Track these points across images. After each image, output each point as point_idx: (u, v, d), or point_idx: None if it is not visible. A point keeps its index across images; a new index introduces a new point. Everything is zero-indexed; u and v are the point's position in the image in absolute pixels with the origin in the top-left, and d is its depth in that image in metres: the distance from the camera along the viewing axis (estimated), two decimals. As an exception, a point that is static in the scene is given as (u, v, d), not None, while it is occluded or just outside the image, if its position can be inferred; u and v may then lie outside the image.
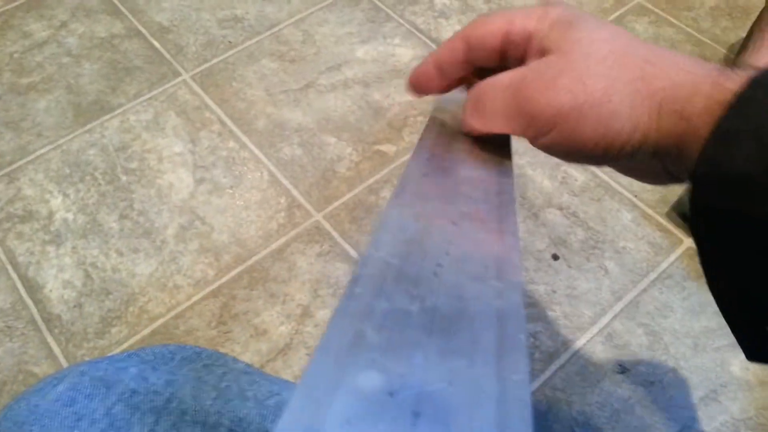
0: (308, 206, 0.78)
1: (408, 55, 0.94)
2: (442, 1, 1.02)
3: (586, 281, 0.73)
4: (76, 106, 0.88)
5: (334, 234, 0.76)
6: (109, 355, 0.63)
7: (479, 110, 0.29)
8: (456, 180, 0.31)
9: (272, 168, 0.82)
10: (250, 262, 0.74)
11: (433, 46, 0.96)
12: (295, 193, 0.80)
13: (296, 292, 0.72)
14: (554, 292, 0.72)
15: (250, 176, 0.81)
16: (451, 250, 0.23)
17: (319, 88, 0.90)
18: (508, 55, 0.29)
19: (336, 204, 0.79)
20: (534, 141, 0.27)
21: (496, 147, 0.36)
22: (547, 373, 0.67)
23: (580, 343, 0.69)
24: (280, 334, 0.69)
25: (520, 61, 0.28)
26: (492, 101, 0.27)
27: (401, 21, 0.99)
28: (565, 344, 0.69)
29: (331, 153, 0.83)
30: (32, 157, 0.82)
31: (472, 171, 0.33)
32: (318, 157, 0.83)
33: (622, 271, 0.74)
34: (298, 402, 0.16)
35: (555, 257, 0.74)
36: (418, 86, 0.32)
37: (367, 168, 0.82)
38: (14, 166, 0.81)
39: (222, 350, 0.67)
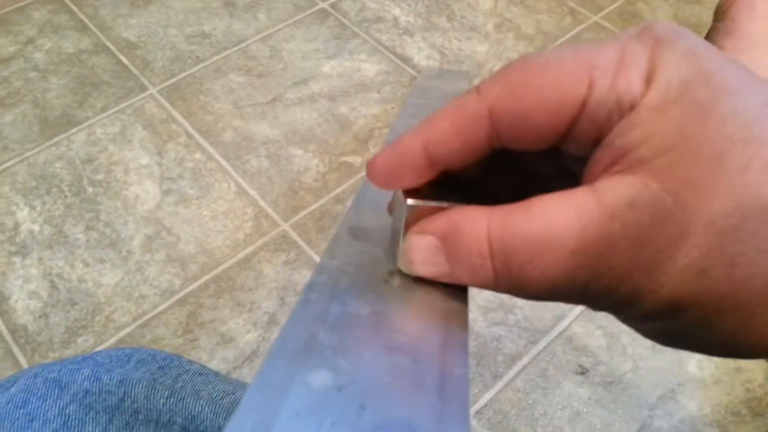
0: (275, 216, 0.80)
1: (373, 70, 0.97)
2: (407, 19, 1.05)
3: (546, 285, 0.75)
4: (42, 120, 0.88)
5: (301, 243, 0.77)
6: (64, 359, 0.63)
7: (512, 273, 0.16)
8: None
9: (239, 179, 0.83)
10: (216, 271, 0.74)
11: (398, 61, 0.99)
12: (262, 203, 0.81)
13: (263, 300, 0.72)
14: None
15: (217, 187, 0.82)
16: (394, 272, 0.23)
17: (286, 102, 0.92)
18: (572, 137, 0.16)
19: (303, 214, 0.80)
20: (630, 323, 0.17)
21: None
22: (510, 375, 0.69)
23: (541, 345, 0.71)
24: (247, 341, 0.69)
25: (589, 144, 0.16)
26: (540, 267, 0.16)
27: (366, 38, 1.01)
28: (527, 347, 0.71)
29: (298, 164, 0.85)
30: (-3, 170, 0.82)
31: None
32: (285, 168, 0.84)
33: (581, 275, 0.76)
34: (251, 399, 0.18)
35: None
36: (390, 180, 0.19)
37: (333, 179, 0.84)
38: (-22, 179, 0.81)
39: (188, 358, 0.67)
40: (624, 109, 0.15)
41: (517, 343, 0.71)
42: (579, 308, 0.74)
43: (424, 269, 0.19)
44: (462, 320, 0.20)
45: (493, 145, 0.17)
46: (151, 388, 0.40)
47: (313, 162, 0.85)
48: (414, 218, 0.20)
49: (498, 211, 0.16)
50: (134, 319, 0.70)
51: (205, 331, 0.70)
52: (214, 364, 0.67)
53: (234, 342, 0.69)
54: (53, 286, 0.72)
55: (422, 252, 0.19)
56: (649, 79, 0.15)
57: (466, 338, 0.19)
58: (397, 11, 1.06)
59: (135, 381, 0.40)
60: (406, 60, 0.99)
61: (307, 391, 0.18)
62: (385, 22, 1.04)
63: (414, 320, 0.20)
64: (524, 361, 0.70)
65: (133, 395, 0.39)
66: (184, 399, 0.40)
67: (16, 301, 0.71)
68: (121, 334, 0.69)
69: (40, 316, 0.70)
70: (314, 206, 0.81)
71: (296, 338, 0.19)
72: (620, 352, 0.72)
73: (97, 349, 0.68)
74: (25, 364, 0.67)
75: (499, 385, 0.68)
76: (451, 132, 0.17)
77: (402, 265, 0.21)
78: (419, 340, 0.19)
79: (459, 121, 0.17)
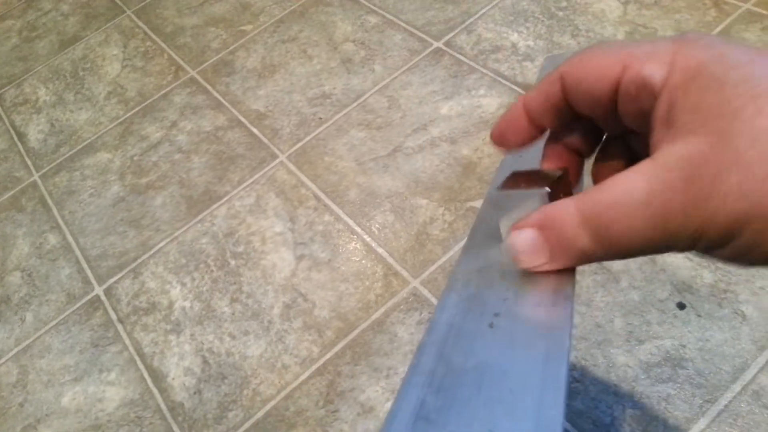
0: (404, 273, 0.78)
1: (494, 104, 0.92)
2: (526, 43, 0.99)
3: (720, 331, 0.65)
4: (188, 198, 0.95)
5: (433, 300, 0.74)
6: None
7: (603, 236, 0.20)
8: None
9: (366, 238, 0.82)
10: (351, 336, 0.74)
11: (521, 90, 0.93)
12: (390, 260, 0.79)
13: (399, 364, 0.70)
14: (683, 346, 0.64)
15: (346, 248, 0.82)
16: (509, 296, 0.25)
17: (406, 151, 0.90)
18: (619, 108, 0.22)
19: (432, 268, 0.77)
20: (708, 254, 0.20)
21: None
22: (684, 440, 0.60)
23: (720, 404, 0.61)
24: (387, 411, 0.67)
25: (636, 116, 0.22)
26: (625, 223, 0.20)
27: (484, 71, 0.97)
28: (703, 407, 0.61)
29: (423, 215, 0.82)
30: (153, 251, 0.90)
31: None
32: (410, 221, 0.82)
33: (763, 316, 0.65)
34: None
35: (681, 306, 0.67)
36: (504, 139, 0.26)
37: (460, 227, 0.80)
38: (138, 261, 0.89)
39: (331, 431, 0.67)
40: (649, 88, 0.20)
41: (691, 402, 0.61)
42: (765, 356, 0.62)
43: (527, 258, 0.23)
44: (560, 358, 0.21)
45: (567, 102, 0.24)
46: None
47: (439, 211, 0.82)
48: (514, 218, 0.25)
49: (580, 195, 0.21)
50: (278, 391, 0.72)
51: (345, 401, 0.69)
52: (356, 437, 0.66)
53: (374, 412, 0.68)
54: (205, 361, 0.76)
55: (523, 243, 0.23)
56: (671, 64, 0.20)
57: (564, 377, 0.20)
58: (515, 37, 1.01)
59: None
60: (530, 88, 0.93)
61: None
62: (504, 50, 0.99)
63: (515, 366, 0.21)
64: (701, 424, 0.60)
65: None
66: None
67: (173, 379, 0.76)
68: (268, 407, 0.71)
69: (195, 393, 0.74)
70: (443, 259, 0.78)
71: (407, 405, 0.21)
72: (826, 405, 0.59)
73: (246, 425, 0.70)
74: (184, 441, 0.71)
75: (672, 451, 0.59)
76: (539, 92, 0.24)
77: (508, 260, 0.25)
78: (515, 392, 0.20)
79: (543, 84, 0.24)
